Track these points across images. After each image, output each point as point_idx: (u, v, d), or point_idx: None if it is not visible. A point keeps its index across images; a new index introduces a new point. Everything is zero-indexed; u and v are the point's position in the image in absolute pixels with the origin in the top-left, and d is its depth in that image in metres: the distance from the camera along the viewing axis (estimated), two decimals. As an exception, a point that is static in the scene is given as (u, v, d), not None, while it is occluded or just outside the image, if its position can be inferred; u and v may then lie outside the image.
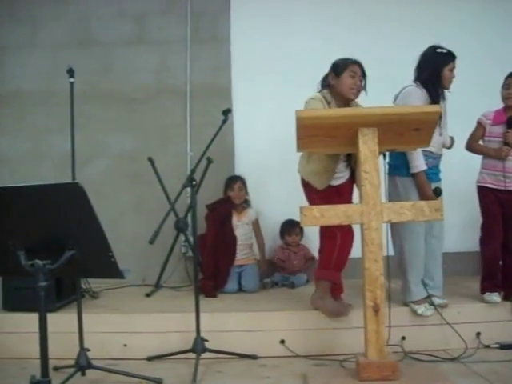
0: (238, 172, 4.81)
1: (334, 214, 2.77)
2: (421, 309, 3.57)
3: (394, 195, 3.56)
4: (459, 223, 4.74)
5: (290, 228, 4.76)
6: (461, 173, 4.38)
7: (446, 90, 3.67)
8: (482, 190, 3.93)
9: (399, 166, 3.56)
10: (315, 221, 2.77)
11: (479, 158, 3.97)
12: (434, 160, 3.65)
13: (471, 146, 3.98)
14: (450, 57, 3.61)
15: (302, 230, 4.76)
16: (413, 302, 3.61)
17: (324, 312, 3.49)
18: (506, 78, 3.87)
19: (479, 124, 3.94)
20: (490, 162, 3.89)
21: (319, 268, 3.63)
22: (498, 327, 3.66)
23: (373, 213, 2.75)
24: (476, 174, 3.97)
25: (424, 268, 3.69)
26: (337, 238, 3.47)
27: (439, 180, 3.77)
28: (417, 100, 3.50)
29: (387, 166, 3.54)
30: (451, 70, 3.61)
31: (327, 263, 3.55)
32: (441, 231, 3.75)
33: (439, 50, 3.60)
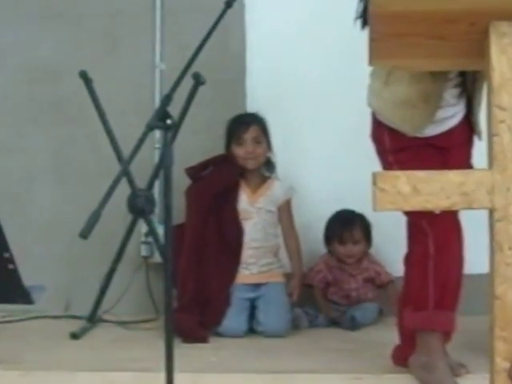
0: (251, 106, 4.43)
1: (437, 188, 2.44)
2: None
3: None
4: None
5: (345, 229, 4.23)
6: None
7: None
8: None
9: None
10: (401, 201, 2.44)
11: None
12: None
13: None
14: None
15: (368, 231, 4.24)
16: None
17: None
18: None
19: None
20: None
21: (407, 308, 3.19)
22: None
23: None
24: None
25: None
26: (428, 243, 3.11)
27: None
28: None
29: None
30: None
31: (421, 298, 3.15)
32: None
33: None
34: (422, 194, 2.50)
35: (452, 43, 2.62)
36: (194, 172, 4.11)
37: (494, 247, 2.51)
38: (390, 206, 2.49)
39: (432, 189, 2.50)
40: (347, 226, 4.28)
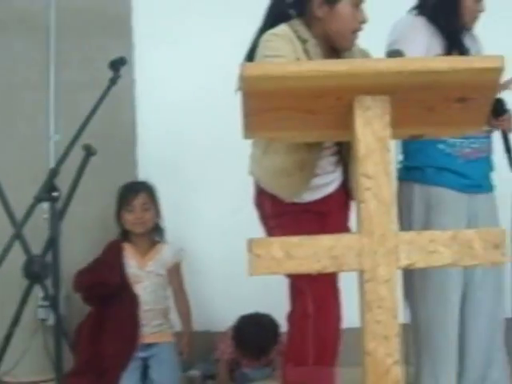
0: (142, 174, 4.48)
1: (309, 252, 2.47)
2: None
3: (407, 219, 3.32)
4: None
5: (250, 350, 4.25)
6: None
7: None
8: None
9: (421, 163, 3.33)
10: (275, 266, 2.45)
11: None
12: (471, 145, 3.37)
13: None
14: None
15: (275, 337, 4.22)
16: None
17: None
18: None
19: None
20: None
21: (289, 364, 3.22)
22: None
23: (381, 251, 2.47)
24: None
25: (461, 350, 3.41)
26: (307, 303, 3.12)
27: (491, 189, 3.47)
28: (412, 35, 3.33)
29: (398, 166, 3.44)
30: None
31: (301, 355, 3.14)
32: (496, 283, 3.45)
33: None
34: (295, 258, 2.49)
35: (320, 116, 2.64)
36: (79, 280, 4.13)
37: (363, 306, 2.51)
38: (264, 271, 2.48)
39: (304, 253, 2.51)
40: (254, 346, 4.31)
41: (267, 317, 4.26)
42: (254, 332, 4.27)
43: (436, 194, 3.37)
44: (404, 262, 2.51)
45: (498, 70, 2.51)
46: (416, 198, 3.39)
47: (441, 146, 3.37)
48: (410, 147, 3.42)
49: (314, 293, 3.11)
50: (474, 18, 3.44)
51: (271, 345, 4.23)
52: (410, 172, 3.44)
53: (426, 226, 3.32)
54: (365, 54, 3.26)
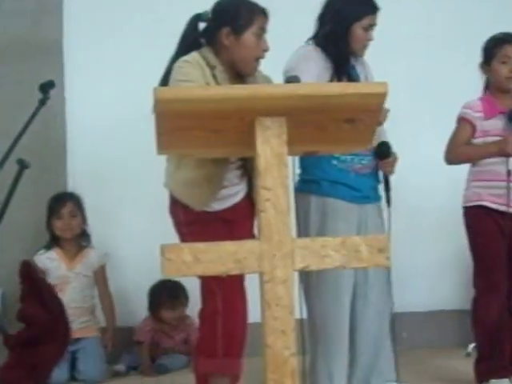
0: (72, 185, 4.58)
1: (215, 257, 2.54)
2: None
3: (304, 226, 3.43)
4: (434, 268, 4.77)
5: (169, 298, 4.42)
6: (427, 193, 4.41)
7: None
8: (474, 214, 3.73)
9: (316, 177, 3.47)
10: (185, 268, 2.51)
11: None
12: (361, 162, 3.51)
13: (456, 153, 3.75)
14: (366, 8, 3.49)
15: (185, 294, 4.43)
16: None
17: None
18: (499, 46, 3.71)
19: (464, 121, 3.75)
20: (487, 168, 3.72)
21: (200, 356, 3.29)
22: None
23: (278, 255, 2.52)
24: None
25: (352, 342, 3.53)
26: (216, 301, 3.18)
27: (378, 199, 3.61)
28: (305, 64, 3.42)
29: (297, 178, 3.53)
30: (367, 29, 3.47)
31: (211, 348, 3.22)
32: (382, 281, 3.58)
33: None
34: (203, 262, 2.54)
35: (225, 135, 2.68)
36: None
37: (263, 304, 2.56)
38: (176, 273, 2.53)
39: (210, 257, 2.56)
40: (172, 293, 4.49)
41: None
42: (164, 283, 4.45)
43: (330, 204, 3.50)
44: (299, 265, 2.56)
45: (382, 95, 2.58)
46: (312, 208, 3.52)
47: (334, 162, 3.50)
48: (307, 162, 3.53)
49: (223, 292, 3.17)
50: (364, 47, 3.55)
51: (182, 295, 4.45)
52: (307, 184, 3.57)
53: (322, 232, 3.46)
54: (267, 80, 3.37)
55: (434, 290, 4.76)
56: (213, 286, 3.17)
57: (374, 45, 3.54)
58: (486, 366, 3.74)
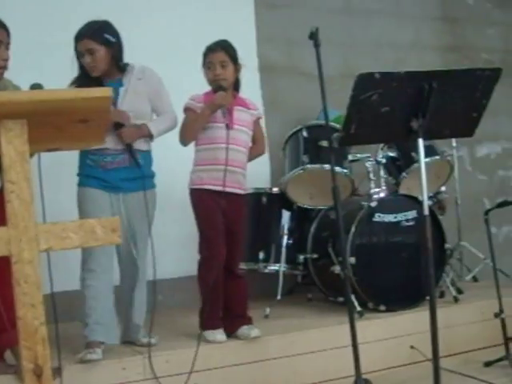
0: None
1: None
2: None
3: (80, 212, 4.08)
4: (177, 241, 5.33)
5: None
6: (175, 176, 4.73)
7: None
8: (198, 195, 4.24)
9: (79, 172, 4.10)
10: None
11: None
12: (105, 159, 4.03)
13: (185, 135, 4.27)
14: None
15: None
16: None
17: None
18: (206, 55, 4.24)
19: (189, 110, 4.24)
20: (208, 154, 4.23)
21: None
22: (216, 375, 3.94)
23: (24, 239, 2.70)
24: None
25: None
26: None
27: (132, 189, 4.12)
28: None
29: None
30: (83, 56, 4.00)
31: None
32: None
33: None
34: None
35: None
36: None
37: (14, 283, 2.75)
38: None
39: None
40: None
41: None
42: None
43: (88, 193, 4.05)
44: (44, 247, 2.77)
45: (107, 98, 2.83)
46: (80, 198, 4.10)
47: (88, 160, 4.07)
48: (80, 162, 4.15)
49: None
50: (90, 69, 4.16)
51: None
52: (78, 179, 4.15)
53: (84, 215, 3.98)
54: (16, 88, 3.62)
55: (182, 259, 5.21)
56: None
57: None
58: (206, 317, 4.28)
